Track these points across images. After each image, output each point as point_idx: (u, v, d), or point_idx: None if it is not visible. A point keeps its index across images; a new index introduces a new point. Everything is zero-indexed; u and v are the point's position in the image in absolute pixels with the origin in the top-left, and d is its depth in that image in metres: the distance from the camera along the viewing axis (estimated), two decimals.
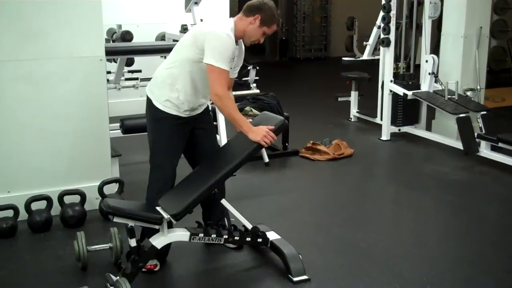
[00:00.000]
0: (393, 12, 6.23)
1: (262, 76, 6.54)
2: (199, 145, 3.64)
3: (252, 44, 3.52)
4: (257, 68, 6.66)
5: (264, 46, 13.88)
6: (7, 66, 3.98)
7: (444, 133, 6.20)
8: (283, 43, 13.72)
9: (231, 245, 3.71)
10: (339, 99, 7.60)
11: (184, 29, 5.67)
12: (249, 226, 3.55)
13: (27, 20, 3.99)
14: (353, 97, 7.33)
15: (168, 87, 3.45)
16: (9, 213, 3.98)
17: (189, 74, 3.39)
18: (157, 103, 3.48)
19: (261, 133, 3.36)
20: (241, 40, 3.52)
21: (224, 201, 3.46)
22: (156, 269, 3.48)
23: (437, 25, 6.92)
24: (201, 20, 5.49)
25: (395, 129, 6.50)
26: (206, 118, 3.69)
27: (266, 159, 3.61)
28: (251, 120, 3.73)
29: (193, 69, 3.39)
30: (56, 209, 4.12)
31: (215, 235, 3.43)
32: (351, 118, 7.37)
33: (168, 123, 3.48)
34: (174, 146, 3.54)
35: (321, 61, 13.58)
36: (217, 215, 3.71)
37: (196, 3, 5.39)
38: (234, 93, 5.38)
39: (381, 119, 6.56)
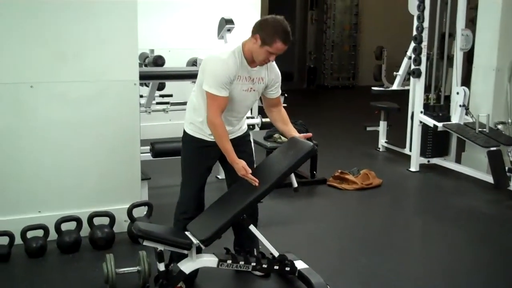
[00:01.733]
0: (424, 43, 6.23)
1: (290, 104, 6.56)
2: (236, 174, 3.51)
3: (264, 63, 3.38)
4: (286, 95, 6.68)
5: (292, 73, 13.96)
6: (42, 87, 4.06)
7: (474, 166, 6.14)
8: (311, 71, 13.76)
9: (258, 273, 3.70)
10: (368, 128, 7.58)
11: None
12: (276, 253, 3.54)
13: (64, 42, 4.08)
14: (382, 127, 7.30)
15: (193, 111, 3.53)
16: (39, 232, 4.02)
17: (204, 99, 3.41)
18: (185, 126, 3.58)
19: (239, 170, 3.38)
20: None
21: (252, 227, 3.46)
22: None
23: (467, 57, 6.89)
24: None
25: (424, 161, 6.45)
26: (243, 146, 3.61)
27: (295, 184, 3.61)
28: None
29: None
30: (85, 230, 4.15)
31: (243, 262, 3.43)
32: (379, 148, 7.33)
33: (191, 145, 3.55)
34: (196, 169, 3.57)
35: (349, 89, 13.58)
36: (247, 242, 3.71)
37: (229, 30, 5.44)
38: (263, 119, 5.43)
39: (410, 150, 6.52)
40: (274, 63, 3.55)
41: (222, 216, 3.32)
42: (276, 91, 3.61)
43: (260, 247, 3.62)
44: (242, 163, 3.37)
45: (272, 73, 3.53)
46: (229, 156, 3.39)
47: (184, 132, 3.59)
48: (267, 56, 3.32)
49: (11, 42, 3.95)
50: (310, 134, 3.62)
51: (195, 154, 3.56)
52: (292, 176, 3.55)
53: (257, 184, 3.35)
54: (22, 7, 3.94)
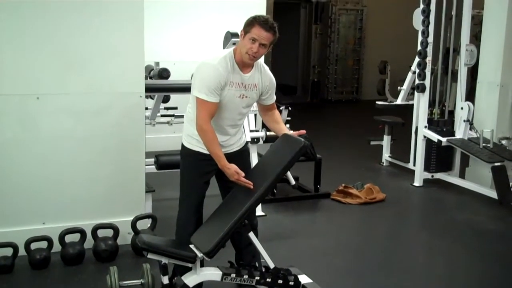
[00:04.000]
0: (428, 58, 6.25)
1: (294, 117, 6.59)
2: (234, 189, 3.57)
3: (252, 58, 3.32)
4: (289, 108, 6.69)
5: (295, 87, 14.00)
6: (48, 99, 4.08)
7: (478, 181, 6.13)
8: (315, 85, 13.80)
9: (262, 287, 3.67)
10: (371, 143, 7.59)
11: None
12: (272, 265, 3.48)
13: (70, 55, 4.11)
14: (386, 141, 7.31)
15: (189, 123, 3.51)
16: (43, 244, 4.01)
17: None
18: (183, 139, 3.56)
19: (232, 175, 3.36)
20: (260, 67, 3.47)
21: (251, 235, 3.43)
22: None
23: (471, 72, 6.91)
24: None
25: (428, 175, 6.44)
26: (241, 160, 3.57)
27: (292, 182, 3.60)
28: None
29: None
30: (88, 242, 4.15)
31: (247, 276, 3.40)
32: (383, 163, 7.34)
33: (190, 159, 3.54)
34: (194, 183, 3.54)
35: (353, 103, 13.61)
36: (248, 256, 3.69)
37: (234, 43, 5.44)
38: (268, 133, 5.44)
39: (414, 165, 6.52)
40: (267, 69, 3.54)
41: (222, 225, 3.28)
42: (270, 98, 3.59)
43: (263, 260, 3.60)
44: (234, 167, 3.35)
45: (266, 79, 3.51)
46: (220, 162, 3.37)
47: (182, 145, 3.58)
48: (250, 46, 3.28)
49: (18, 54, 3.98)
50: (303, 131, 3.52)
51: (192, 168, 3.54)
52: (289, 173, 3.50)
53: (251, 187, 3.32)
54: (29, 19, 3.97)
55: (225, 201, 3.55)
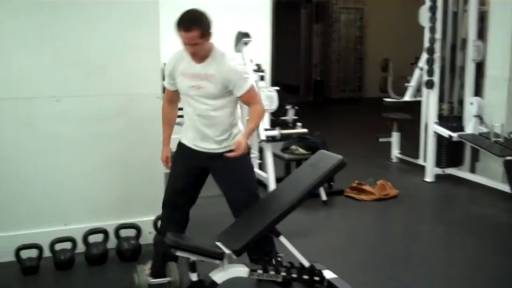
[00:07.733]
0: (437, 55, 6.29)
1: (299, 116, 6.63)
2: (226, 192, 3.65)
3: (194, 57, 3.34)
4: (296, 108, 6.71)
5: (298, 86, 14.03)
6: (70, 101, 4.12)
7: (489, 175, 6.18)
8: (318, 84, 13.83)
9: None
10: (380, 139, 7.62)
11: None
12: (307, 264, 3.56)
13: (88, 56, 4.14)
14: (395, 137, 7.35)
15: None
16: (67, 245, 4.04)
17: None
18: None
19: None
20: (219, 56, 3.38)
21: (282, 238, 3.50)
22: None
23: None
24: (251, 61, 5.61)
25: (439, 171, 6.49)
26: (225, 163, 3.49)
27: (324, 197, 3.61)
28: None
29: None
30: (111, 242, 4.18)
31: (273, 272, 3.44)
32: (392, 159, 7.38)
33: (177, 149, 3.67)
34: (174, 169, 3.65)
35: (355, 101, 13.64)
36: (254, 250, 3.68)
37: (245, 43, 5.49)
38: (282, 132, 5.49)
39: (424, 160, 6.56)
40: (229, 59, 3.39)
41: (255, 226, 3.35)
42: (237, 89, 3.38)
43: (282, 255, 3.64)
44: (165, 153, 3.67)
45: (224, 68, 3.34)
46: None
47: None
48: (186, 48, 3.32)
49: (36, 57, 4.01)
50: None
51: (176, 157, 3.68)
52: (321, 189, 3.54)
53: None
54: (45, 23, 4.01)
55: (259, 204, 3.60)
